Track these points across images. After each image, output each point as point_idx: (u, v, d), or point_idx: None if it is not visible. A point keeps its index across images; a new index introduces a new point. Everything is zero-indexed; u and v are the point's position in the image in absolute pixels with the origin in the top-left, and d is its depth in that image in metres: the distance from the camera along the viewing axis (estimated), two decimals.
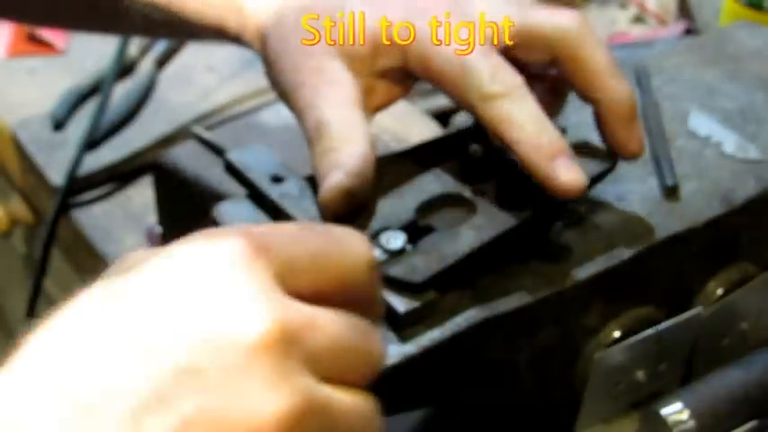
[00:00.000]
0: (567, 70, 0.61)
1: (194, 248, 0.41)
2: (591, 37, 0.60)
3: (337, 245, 0.44)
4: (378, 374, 0.44)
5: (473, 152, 0.61)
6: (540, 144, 0.56)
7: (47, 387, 0.37)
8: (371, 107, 0.62)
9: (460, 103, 0.60)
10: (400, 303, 0.53)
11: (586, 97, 0.61)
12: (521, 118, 0.57)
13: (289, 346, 0.39)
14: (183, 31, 0.74)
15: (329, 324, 0.41)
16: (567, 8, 0.61)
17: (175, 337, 0.38)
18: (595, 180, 0.61)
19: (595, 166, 0.60)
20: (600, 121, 0.61)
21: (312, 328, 0.40)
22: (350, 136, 0.57)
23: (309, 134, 0.59)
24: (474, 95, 0.57)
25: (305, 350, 0.40)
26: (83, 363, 0.38)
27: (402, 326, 0.53)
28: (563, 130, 0.63)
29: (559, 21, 0.60)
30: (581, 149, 0.61)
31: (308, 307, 0.41)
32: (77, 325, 0.39)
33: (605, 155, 0.61)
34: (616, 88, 0.60)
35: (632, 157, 0.61)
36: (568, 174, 0.56)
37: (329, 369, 0.41)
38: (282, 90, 0.63)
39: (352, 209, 0.55)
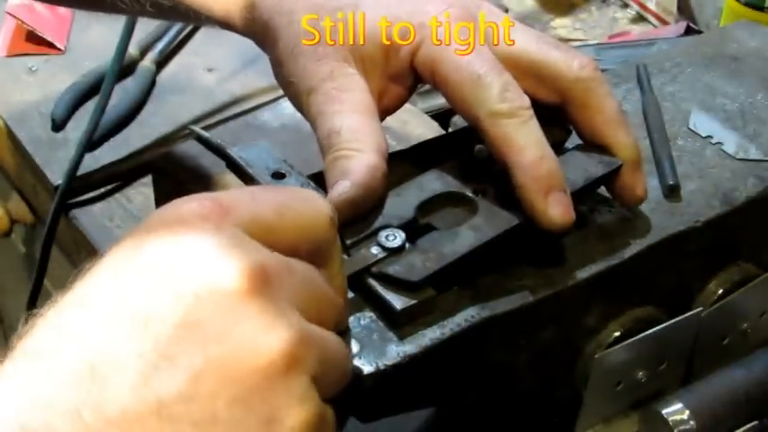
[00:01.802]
0: (574, 114, 0.61)
1: (166, 218, 0.43)
2: (602, 85, 0.60)
3: (298, 200, 0.47)
4: (343, 323, 0.49)
5: (478, 152, 0.61)
6: (538, 174, 0.56)
7: (58, 366, 0.39)
8: (383, 110, 0.63)
9: (463, 113, 0.59)
10: (397, 301, 0.53)
11: (591, 142, 0.61)
12: (523, 141, 0.57)
13: (273, 286, 0.42)
14: (190, 19, 0.74)
15: (301, 269, 0.44)
16: (582, 54, 0.61)
17: (167, 300, 0.40)
18: (602, 180, 0.61)
19: (602, 167, 0.60)
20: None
21: (289, 272, 0.43)
22: (360, 145, 0.57)
23: (321, 142, 0.59)
24: (482, 110, 0.57)
25: (287, 290, 0.43)
26: (87, 338, 0.40)
27: (399, 323, 0.53)
28: (568, 131, 0.63)
29: (575, 64, 0.60)
30: (588, 149, 0.61)
31: (279, 254, 0.44)
32: (77, 306, 0.41)
33: (609, 159, 0.61)
34: (623, 137, 0.60)
35: (637, 203, 0.62)
36: (558, 209, 0.56)
37: (308, 309, 0.44)
38: (293, 93, 0.63)
39: (357, 216, 0.56)
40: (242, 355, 0.40)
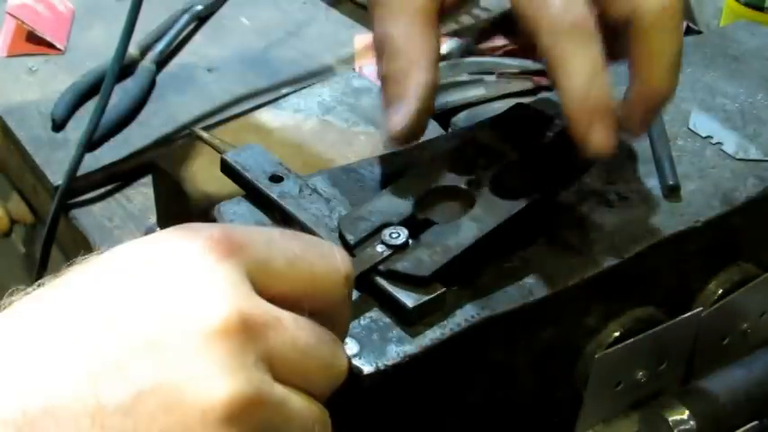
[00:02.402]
0: (635, 40, 0.57)
1: (174, 237, 0.43)
2: (674, 21, 0.57)
3: (317, 256, 0.45)
4: (339, 386, 0.46)
5: (452, 124, 0.61)
6: (586, 98, 0.54)
7: (18, 338, 0.40)
8: (443, 9, 0.61)
9: (522, 26, 0.56)
10: (408, 298, 0.53)
11: (633, 68, 0.58)
12: (578, 62, 0.54)
13: (249, 337, 0.41)
14: None
15: (294, 327, 0.43)
16: None
17: (144, 314, 0.40)
18: (588, 164, 0.61)
19: None
20: (631, 90, 0.58)
21: (275, 328, 0.42)
22: (413, 56, 0.57)
23: (375, 46, 0.59)
24: (543, 21, 0.55)
25: (266, 346, 0.41)
26: (56, 325, 0.40)
27: (411, 321, 0.54)
28: (550, 119, 0.63)
29: None
30: None
31: (275, 307, 0.43)
32: (59, 294, 0.41)
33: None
34: (667, 79, 0.58)
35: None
36: (601, 136, 0.54)
37: (289, 372, 0.42)
38: (370, 7, 0.62)
39: (411, 142, 0.57)
40: (190, 390, 0.39)
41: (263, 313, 0.42)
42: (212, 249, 0.42)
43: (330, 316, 0.46)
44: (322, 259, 0.45)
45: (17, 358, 0.39)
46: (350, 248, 0.56)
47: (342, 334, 0.48)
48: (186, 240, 0.43)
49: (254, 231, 0.45)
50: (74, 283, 0.42)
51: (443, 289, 0.54)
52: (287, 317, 0.43)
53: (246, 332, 0.41)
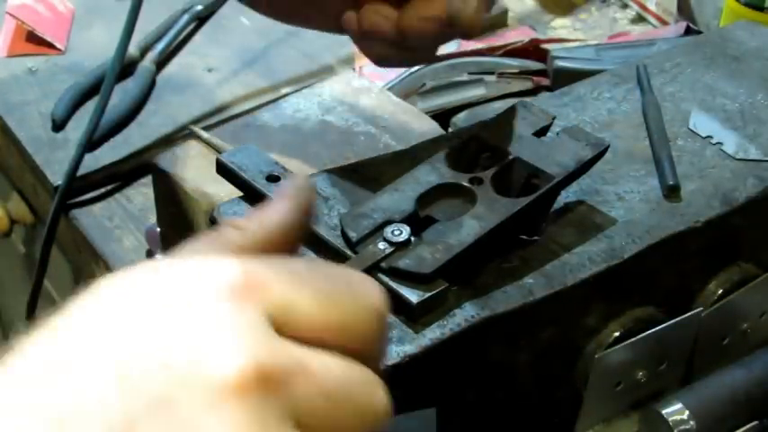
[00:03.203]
0: None
1: (186, 272, 0.39)
2: None
3: (347, 291, 0.41)
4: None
5: (452, 124, 0.62)
6: None
7: (23, 397, 0.36)
8: None
9: None
10: (412, 295, 0.54)
11: None
12: None
13: (269, 392, 0.36)
14: None
15: (323, 370, 0.38)
16: None
17: (154, 367, 0.36)
18: (589, 163, 0.61)
19: (591, 149, 0.61)
20: None
21: (301, 374, 0.37)
22: None
23: None
24: None
25: (291, 397, 0.37)
26: (61, 379, 0.36)
27: (415, 316, 0.54)
28: (552, 118, 0.64)
29: None
30: (574, 134, 0.62)
31: (300, 349, 0.38)
32: (63, 339, 0.38)
33: (596, 140, 0.62)
34: None
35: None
36: None
37: (320, 421, 0.38)
38: None
39: None
40: None
41: (285, 360, 0.37)
42: (231, 293, 0.38)
43: (364, 356, 0.41)
44: (353, 296, 0.40)
45: (23, 419, 0.35)
46: (352, 245, 0.56)
47: (378, 371, 0.41)
48: (202, 280, 0.38)
49: (279, 266, 0.40)
50: (80, 333, 0.38)
51: (446, 285, 0.54)
52: (313, 360, 0.38)
53: (266, 386, 0.36)
